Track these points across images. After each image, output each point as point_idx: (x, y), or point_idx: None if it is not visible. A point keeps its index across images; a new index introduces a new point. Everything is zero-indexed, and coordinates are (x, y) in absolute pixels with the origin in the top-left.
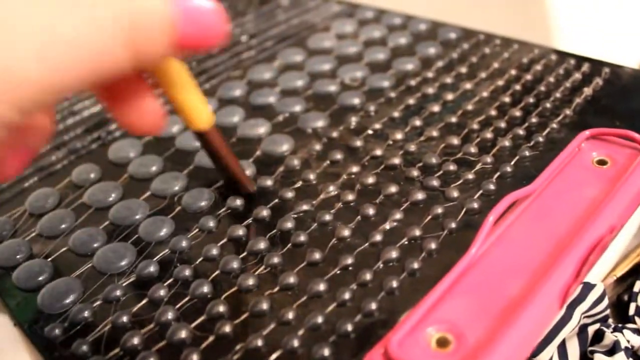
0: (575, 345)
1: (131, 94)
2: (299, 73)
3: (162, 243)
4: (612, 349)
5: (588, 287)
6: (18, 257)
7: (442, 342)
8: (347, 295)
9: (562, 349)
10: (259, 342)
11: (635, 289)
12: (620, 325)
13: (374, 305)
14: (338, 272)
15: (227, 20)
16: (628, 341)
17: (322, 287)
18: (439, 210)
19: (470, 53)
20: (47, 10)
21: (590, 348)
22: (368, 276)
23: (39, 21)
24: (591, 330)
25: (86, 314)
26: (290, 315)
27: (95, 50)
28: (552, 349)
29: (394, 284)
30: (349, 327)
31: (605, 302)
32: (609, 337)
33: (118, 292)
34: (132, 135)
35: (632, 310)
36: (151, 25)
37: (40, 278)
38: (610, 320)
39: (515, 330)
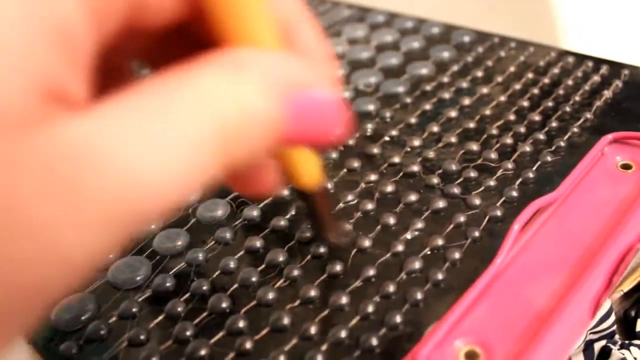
0: None
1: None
2: None
3: (178, 256)
4: None
5: None
6: None
7: (471, 356)
8: (370, 308)
9: None
10: (282, 358)
11: None
12: (627, 342)
13: (398, 318)
14: (360, 284)
15: (348, 113)
16: (635, 358)
17: (344, 300)
18: (461, 218)
19: (485, 57)
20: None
21: None
22: (391, 288)
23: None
24: (597, 346)
25: (102, 330)
26: (313, 330)
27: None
28: None
29: (419, 295)
30: (374, 342)
31: (612, 318)
32: (616, 354)
33: (134, 308)
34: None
35: (639, 326)
36: (249, 133)
37: None
38: (617, 337)
39: (546, 343)
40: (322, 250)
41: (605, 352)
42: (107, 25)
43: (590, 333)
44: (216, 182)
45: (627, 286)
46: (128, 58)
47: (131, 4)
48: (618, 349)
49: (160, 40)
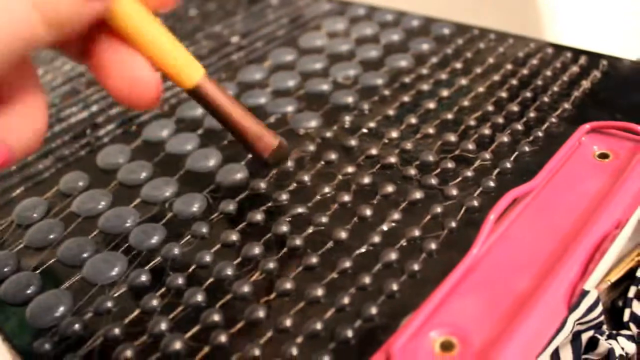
0: (569, 352)
1: (110, 56)
2: (291, 73)
3: (154, 251)
4: (607, 357)
5: (582, 294)
6: (5, 270)
7: (447, 346)
8: (346, 300)
9: (556, 356)
10: (257, 352)
11: (630, 295)
12: (614, 332)
13: (374, 310)
14: (336, 276)
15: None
16: (622, 348)
17: (320, 292)
18: (438, 209)
19: (464, 48)
20: None
21: (584, 356)
22: (367, 280)
23: None
24: (585, 337)
25: (77, 327)
26: (288, 323)
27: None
28: (545, 356)
29: (394, 287)
30: (349, 333)
31: (600, 308)
32: (604, 345)
33: (109, 304)
34: (128, 107)
35: (626, 316)
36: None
37: (29, 291)
38: (605, 327)
39: (522, 332)
40: (298, 242)
41: (593, 343)
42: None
43: (578, 324)
44: (47, 42)
45: (614, 276)
46: None
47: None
48: (605, 340)
49: None
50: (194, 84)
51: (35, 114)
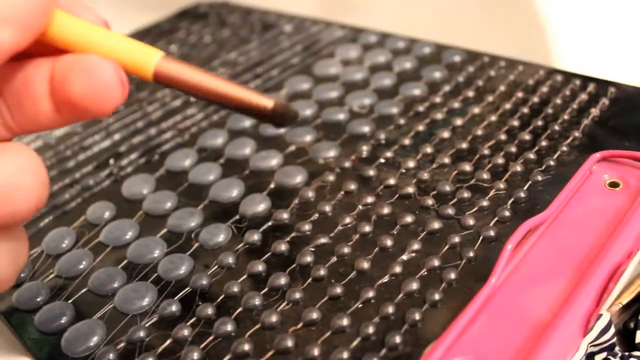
0: None
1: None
2: (307, 102)
3: (182, 281)
4: None
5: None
6: (38, 299)
7: None
8: (370, 330)
9: None
10: None
11: None
12: (627, 354)
13: (398, 339)
14: (360, 305)
15: None
16: None
17: (345, 321)
18: (456, 239)
19: (475, 76)
20: None
21: None
22: (390, 309)
23: None
24: (598, 359)
25: (111, 356)
26: (316, 352)
27: None
28: None
29: (417, 316)
30: None
31: (612, 330)
32: None
33: (142, 333)
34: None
35: (638, 337)
36: None
37: (63, 320)
38: (617, 349)
39: (541, 358)
40: (322, 272)
41: None
42: None
43: (591, 346)
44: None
45: (626, 298)
46: None
47: None
48: None
49: None
50: (153, 70)
51: (19, 248)
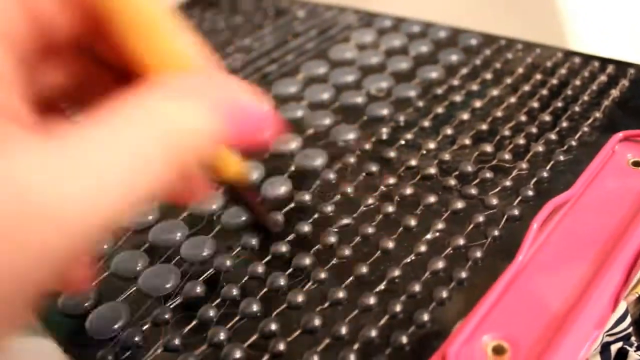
0: None
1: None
2: (324, 85)
3: (206, 263)
4: None
5: None
6: None
7: (499, 350)
8: (398, 308)
9: None
10: (315, 358)
11: None
12: None
13: (426, 316)
14: (386, 284)
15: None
16: None
17: (372, 300)
18: (480, 218)
19: (493, 59)
20: None
21: None
22: (417, 287)
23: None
24: (614, 348)
25: (137, 338)
26: (344, 330)
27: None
28: None
29: (444, 294)
30: (404, 339)
31: (628, 320)
32: (633, 356)
33: (167, 315)
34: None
35: None
36: (196, 145)
37: (87, 304)
38: (633, 339)
39: (571, 336)
40: (347, 252)
41: (622, 354)
42: (20, 44)
43: (607, 335)
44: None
45: None
46: (52, 94)
47: (32, 22)
48: (635, 351)
49: (72, 68)
50: (238, 181)
51: None
